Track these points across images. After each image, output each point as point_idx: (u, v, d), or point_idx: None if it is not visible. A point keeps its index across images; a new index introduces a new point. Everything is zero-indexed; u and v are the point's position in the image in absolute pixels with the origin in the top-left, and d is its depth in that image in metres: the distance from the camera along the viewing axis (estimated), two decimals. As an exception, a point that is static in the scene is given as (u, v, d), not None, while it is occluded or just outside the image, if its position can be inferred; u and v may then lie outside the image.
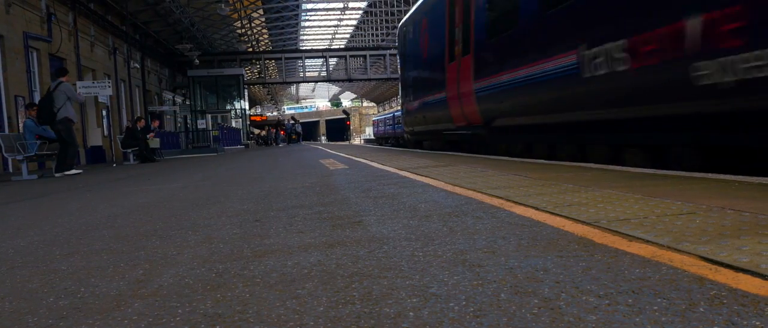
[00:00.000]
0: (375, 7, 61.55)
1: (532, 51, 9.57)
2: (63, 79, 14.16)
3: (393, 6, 59.48)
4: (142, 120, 22.96)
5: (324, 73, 58.56)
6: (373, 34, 69.61)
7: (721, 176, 4.74)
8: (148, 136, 22.52)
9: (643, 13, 6.75)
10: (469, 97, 12.51)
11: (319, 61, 59.15)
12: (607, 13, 7.53)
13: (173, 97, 46.28)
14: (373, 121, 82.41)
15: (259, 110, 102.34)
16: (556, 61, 8.61)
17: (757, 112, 5.34)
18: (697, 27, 5.79)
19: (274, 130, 62.70)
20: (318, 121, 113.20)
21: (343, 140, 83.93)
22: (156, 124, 22.61)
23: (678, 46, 6.05)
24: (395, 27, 44.25)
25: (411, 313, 1.78)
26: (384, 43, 62.36)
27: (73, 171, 14.09)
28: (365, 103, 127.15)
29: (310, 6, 58.33)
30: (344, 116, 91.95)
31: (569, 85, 8.29)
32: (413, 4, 23.36)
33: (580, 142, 9.16)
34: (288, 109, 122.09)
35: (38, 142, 14.13)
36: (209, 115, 47.96)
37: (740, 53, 5.27)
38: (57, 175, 13.63)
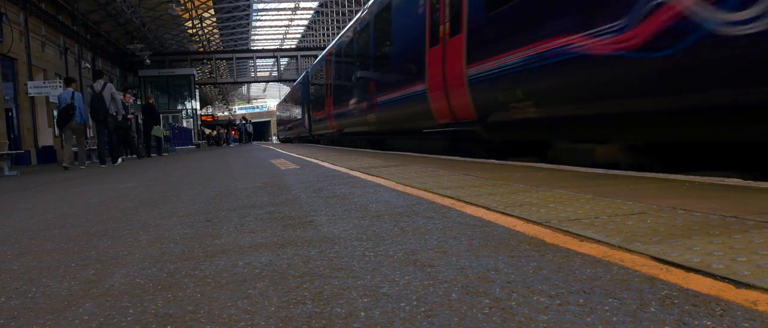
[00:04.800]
0: (326, 7, 61.52)
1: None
2: (101, 81, 16.29)
3: (344, 6, 59.48)
4: (128, 95, 21.57)
5: (275, 73, 58.20)
6: (324, 34, 69.50)
7: (672, 176, 4.80)
8: (154, 126, 22.08)
9: None
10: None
11: (271, 61, 58.77)
12: None
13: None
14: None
15: (210, 110, 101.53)
16: None
17: None
18: None
19: (225, 131, 62.31)
20: (269, 121, 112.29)
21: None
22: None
23: None
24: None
25: (362, 313, 1.78)
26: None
27: (121, 160, 17.07)
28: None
29: (261, 6, 58.10)
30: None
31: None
32: (364, 3, 22.95)
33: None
34: (239, 109, 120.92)
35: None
36: (160, 116, 47.44)
37: None
38: (119, 160, 16.94)
